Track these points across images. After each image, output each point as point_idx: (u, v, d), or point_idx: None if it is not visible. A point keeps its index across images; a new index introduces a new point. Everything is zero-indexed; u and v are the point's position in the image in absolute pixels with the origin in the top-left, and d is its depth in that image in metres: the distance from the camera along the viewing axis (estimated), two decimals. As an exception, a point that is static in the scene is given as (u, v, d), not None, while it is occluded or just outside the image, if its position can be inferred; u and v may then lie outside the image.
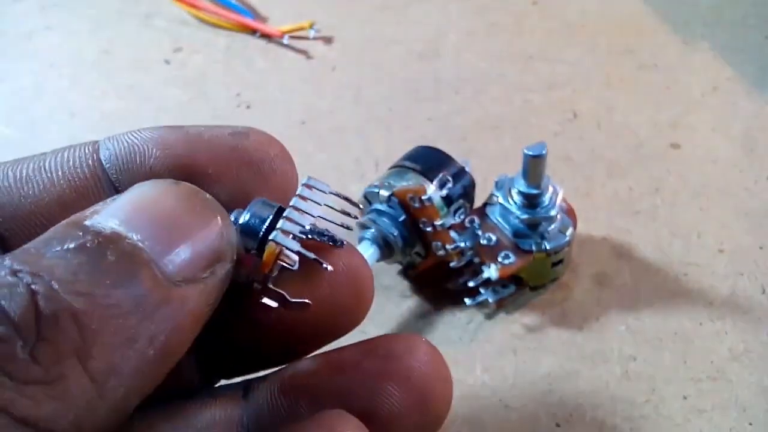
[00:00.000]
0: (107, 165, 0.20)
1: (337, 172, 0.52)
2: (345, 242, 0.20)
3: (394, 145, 0.53)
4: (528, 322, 0.42)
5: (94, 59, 0.63)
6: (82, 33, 0.66)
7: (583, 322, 0.42)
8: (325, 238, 0.20)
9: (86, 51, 0.64)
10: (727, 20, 0.62)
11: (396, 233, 0.41)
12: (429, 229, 0.41)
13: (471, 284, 0.42)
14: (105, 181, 0.20)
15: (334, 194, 0.21)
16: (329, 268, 0.20)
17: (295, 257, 0.19)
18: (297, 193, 0.20)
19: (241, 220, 0.20)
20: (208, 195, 0.19)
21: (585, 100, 0.56)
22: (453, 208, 0.41)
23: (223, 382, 0.23)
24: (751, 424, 0.38)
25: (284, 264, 0.19)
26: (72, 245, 0.16)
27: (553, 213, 0.41)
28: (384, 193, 0.41)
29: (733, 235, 0.46)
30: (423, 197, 0.40)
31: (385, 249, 0.42)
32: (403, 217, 0.41)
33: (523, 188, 0.41)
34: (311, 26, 0.63)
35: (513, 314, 0.43)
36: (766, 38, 0.60)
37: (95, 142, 0.21)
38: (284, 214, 0.19)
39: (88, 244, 0.16)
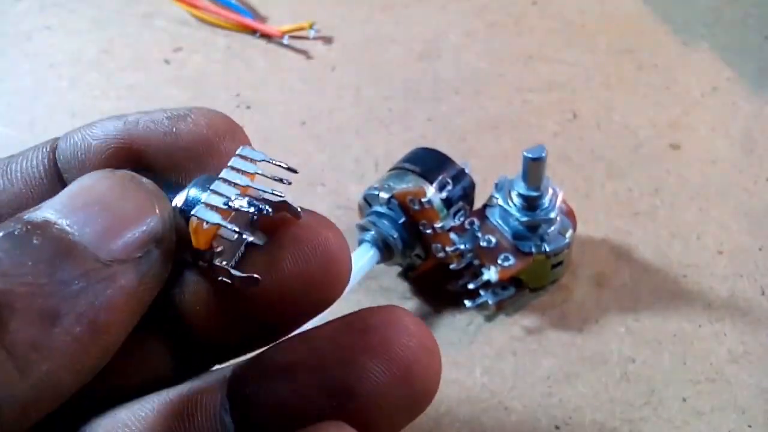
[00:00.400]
0: (60, 163, 0.21)
1: (337, 172, 0.52)
2: (300, 210, 0.19)
3: (394, 145, 0.53)
4: (528, 324, 0.43)
5: (94, 59, 0.63)
6: (82, 33, 0.66)
7: (583, 324, 0.42)
8: (253, 209, 0.18)
9: (86, 51, 0.64)
10: (727, 20, 0.62)
11: (396, 235, 0.41)
12: (429, 231, 0.41)
13: (471, 286, 0.42)
14: (59, 179, 0.21)
15: (268, 162, 0.20)
16: (257, 241, 0.19)
17: (231, 233, 0.18)
18: (228, 164, 0.19)
19: (179, 200, 0.19)
20: (144, 179, 0.19)
21: (585, 101, 0.56)
22: (453, 210, 0.42)
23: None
24: (750, 426, 0.38)
25: (224, 239, 0.19)
26: (0, 234, 0.17)
27: (552, 215, 0.41)
28: (384, 195, 0.41)
29: (733, 236, 0.46)
30: (423, 199, 0.40)
31: (385, 251, 0.42)
32: (402, 220, 0.41)
33: (523, 190, 0.41)
34: (311, 26, 0.63)
35: (513, 316, 0.43)
36: (766, 38, 0.60)
37: (56, 139, 0.21)
38: (210, 187, 0.19)
39: (16, 232, 0.17)
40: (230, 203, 0.18)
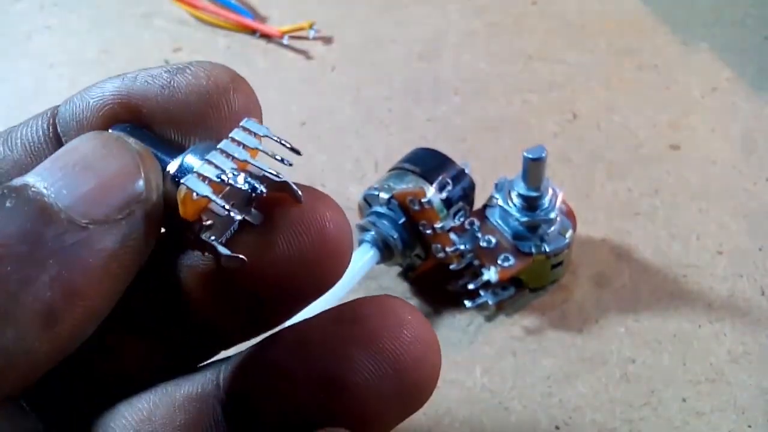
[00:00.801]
0: (60, 127, 0.20)
1: (337, 172, 0.52)
2: (300, 193, 0.18)
3: (394, 145, 0.53)
4: (528, 324, 0.43)
5: (94, 59, 0.63)
6: (82, 33, 0.66)
7: (583, 324, 0.42)
8: (247, 187, 0.17)
9: (86, 51, 0.64)
10: (726, 21, 0.62)
11: (396, 236, 0.41)
12: (429, 231, 0.41)
13: (471, 286, 0.42)
14: (60, 144, 0.20)
15: (271, 138, 0.19)
16: (251, 220, 0.18)
17: (220, 209, 0.17)
18: (230, 135, 0.18)
19: (173, 167, 0.18)
20: (131, 140, 0.18)
21: (584, 101, 0.56)
22: (453, 210, 0.42)
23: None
24: (750, 426, 0.38)
25: (214, 213, 0.18)
26: None
27: (552, 215, 0.41)
28: (384, 195, 0.41)
29: (733, 236, 0.46)
30: (423, 200, 0.40)
31: (385, 251, 0.42)
32: (402, 220, 0.41)
33: (523, 191, 0.41)
34: (311, 26, 0.63)
35: (513, 316, 0.43)
36: (765, 39, 0.60)
37: (57, 106, 0.21)
38: (206, 157, 0.18)
39: None
40: (223, 177, 0.17)
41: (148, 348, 0.21)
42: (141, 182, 0.17)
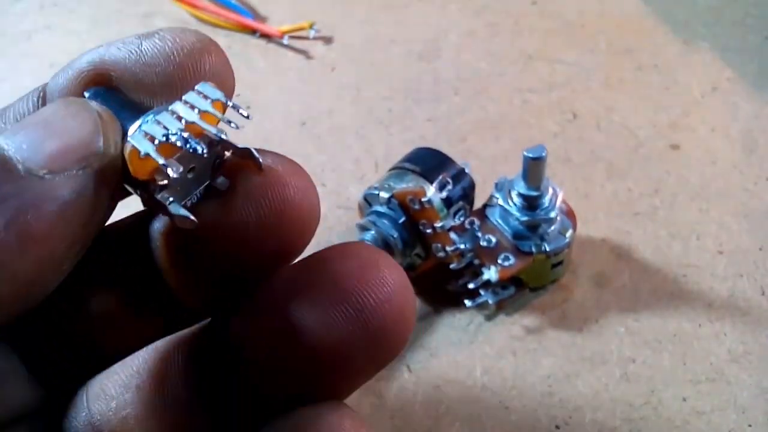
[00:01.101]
0: (48, 100, 0.21)
1: (337, 172, 0.52)
2: (261, 161, 0.19)
3: (394, 145, 0.53)
4: (528, 324, 0.43)
5: (94, 59, 0.63)
6: (82, 33, 0.66)
7: (583, 324, 0.42)
8: (188, 146, 0.18)
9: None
10: (727, 20, 0.62)
11: (396, 235, 0.41)
12: (429, 230, 0.41)
13: (471, 286, 0.42)
14: None
15: (223, 102, 0.19)
16: (216, 185, 0.19)
17: (164, 167, 0.17)
18: (183, 97, 0.18)
19: (132, 128, 0.18)
20: (93, 103, 0.19)
21: (584, 101, 0.56)
22: (453, 209, 0.42)
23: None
24: (750, 425, 0.38)
25: (166, 174, 0.18)
26: None
27: (552, 215, 0.41)
28: (384, 195, 0.41)
29: (733, 236, 0.46)
30: (423, 199, 0.40)
31: (385, 251, 0.42)
32: (402, 219, 0.41)
33: (523, 190, 0.41)
34: (311, 26, 0.63)
35: (513, 316, 0.43)
36: (766, 38, 0.60)
37: (47, 83, 0.21)
38: (154, 116, 0.18)
39: None
40: (169, 136, 0.18)
41: (143, 321, 0.21)
42: (98, 138, 0.18)
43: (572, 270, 0.45)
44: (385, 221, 0.42)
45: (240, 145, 0.18)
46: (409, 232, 0.42)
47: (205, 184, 0.19)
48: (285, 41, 0.63)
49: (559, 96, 0.57)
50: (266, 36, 0.63)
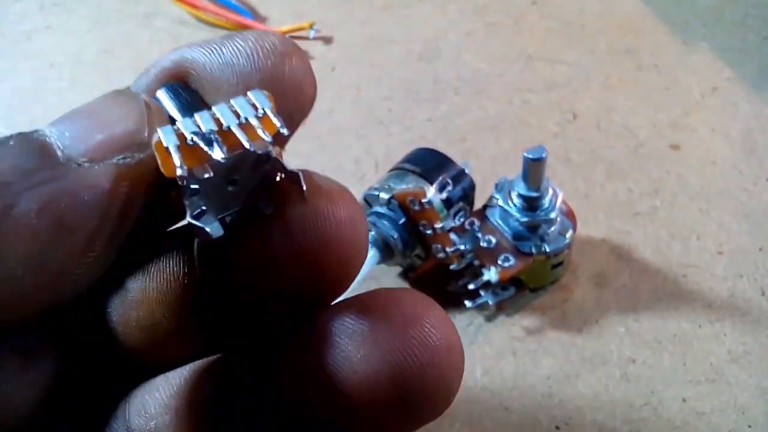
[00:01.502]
0: None
1: (337, 173, 0.52)
2: (305, 190, 0.17)
3: (394, 145, 0.53)
4: (528, 325, 0.43)
5: (94, 59, 0.63)
6: (82, 33, 0.66)
7: (583, 324, 0.42)
8: (209, 149, 0.16)
9: (86, 51, 0.64)
10: (726, 21, 0.62)
11: (396, 236, 0.41)
12: (429, 231, 0.41)
13: (471, 286, 0.42)
14: None
15: (270, 115, 0.17)
16: (262, 207, 0.17)
17: (179, 171, 0.16)
18: (230, 100, 0.17)
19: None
20: (140, 94, 0.18)
21: (584, 101, 0.56)
22: (453, 210, 0.42)
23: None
24: (750, 426, 0.38)
25: (198, 176, 0.16)
26: None
27: (552, 215, 0.41)
28: (384, 195, 0.41)
29: (733, 236, 0.46)
30: (423, 200, 0.40)
31: (386, 251, 0.42)
32: (403, 220, 0.41)
33: (523, 191, 0.41)
34: (311, 26, 0.63)
35: (513, 316, 0.43)
36: (765, 38, 0.60)
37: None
38: (195, 114, 0.17)
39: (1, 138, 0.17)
40: (195, 138, 0.16)
41: (187, 336, 0.20)
42: (144, 128, 0.17)
43: (572, 270, 0.45)
44: (386, 222, 0.42)
45: (289, 167, 0.17)
46: (409, 232, 0.42)
47: (249, 202, 0.17)
48: (285, 41, 0.62)
49: (559, 96, 0.57)
50: (266, 36, 0.63)
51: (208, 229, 0.17)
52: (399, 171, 0.43)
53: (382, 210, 0.42)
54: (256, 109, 0.17)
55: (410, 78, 0.59)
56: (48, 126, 0.17)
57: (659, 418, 0.38)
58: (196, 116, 0.17)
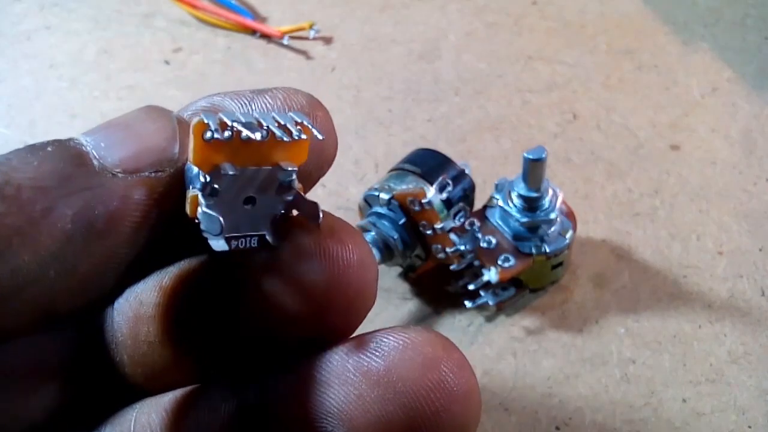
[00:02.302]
0: None
1: (337, 173, 0.52)
2: (320, 220, 0.18)
3: (394, 146, 0.53)
4: (528, 325, 0.43)
5: (94, 59, 0.63)
6: (82, 33, 0.66)
7: (583, 325, 0.42)
8: (246, 132, 0.16)
9: (85, 51, 0.64)
10: (726, 21, 0.62)
11: (396, 236, 0.41)
12: (429, 232, 0.41)
13: (471, 287, 0.42)
14: None
15: (310, 127, 0.18)
16: (270, 241, 0.18)
17: (220, 136, 0.16)
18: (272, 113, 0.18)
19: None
20: (172, 111, 0.19)
21: (584, 101, 0.56)
22: (453, 211, 0.42)
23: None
24: (750, 426, 0.38)
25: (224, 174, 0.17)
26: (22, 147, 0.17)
27: (553, 216, 0.41)
28: (384, 196, 0.41)
29: (733, 237, 0.46)
30: (423, 200, 0.40)
31: (386, 252, 0.42)
32: (403, 220, 0.41)
33: (523, 191, 0.41)
34: (311, 26, 0.63)
35: (513, 317, 0.43)
36: (765, 39, 0.60)
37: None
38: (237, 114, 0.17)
39: (36, 144, 0.17)
40: (236, 125, 0.16)
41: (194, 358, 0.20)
42: (175, 146, 0.18)
43: (572, 271, 0.45)
44: (386, 222, 0.42)
45: (308, 199, 0.18)
46: (410, 233, 0.42)
47: (260, 233, 0.18)
48: (285, 41, 0.63)
49: (559, 96, 0.57)
50: (266, 36, 0.63)
51: (212, 241, 0.17)
52: (399, 171, 0.43)
53: (382, 210, 0.42)
54: (293, 120, 0.17)
55: (410, 78, 0.59)
56: (84, 135, 0.18)
57: (659, 418, 0.38)
58: (238, 114, 0.17)
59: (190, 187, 0.18)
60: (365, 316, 0.18)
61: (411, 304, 0.44)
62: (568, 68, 0.59)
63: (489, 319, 0.43)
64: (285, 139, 0.17)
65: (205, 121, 0.16)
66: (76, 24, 0.67)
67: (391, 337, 0.18)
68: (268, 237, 0.18)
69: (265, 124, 0.17)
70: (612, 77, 0.58)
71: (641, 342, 0.41)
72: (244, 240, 0.18)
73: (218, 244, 0.17)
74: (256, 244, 0.18)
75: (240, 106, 0.19)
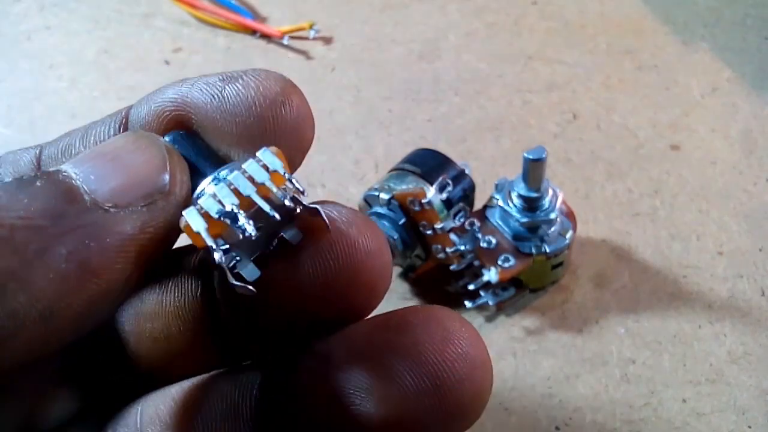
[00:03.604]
0: (130, 128, 0.21)
1: (337, 173, 0.52)
2: (326, 219, 0.18)
3: (394, 146, 0.53)
4: (528, 325, 0.43)
5: (94, 59, 0.63)
6: (82, 33, 0.66)
7: (583, 325, 0.42)
8: (237, 226, 0.17)
9: (86, 51, 0.64)
10: (726, 21, 0.62)
11: (396, 236, 0.41)
12: (429, 232, 0.41)
13: (471, 287, 0.42)
14: None
15: (282, 175, 0.18)
16: (290, 239, 0.18)
17: (216, 255, 0.17)
18: (242, 166, 0.18)
19: (200, 187, 0.18)
20: (161, 139, 0.19)
21: (584, 101, 0.56)
22: (453, 211, 0.42)
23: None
24: (750, 426, 0.38)
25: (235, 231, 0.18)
26: (9, 179, 0.17)
27: (553, 216, 0.41)
28: (384, 196, 0.41)
29: (733, 237, 0.46)
30: (423, 200, 0.40)
31: (385, 252, 0.42)
32: (403, 221, 0.41)
33: (523, 191, 0.41)
34: (311, 27, 0.63)
35: (513, 317, 0.43)
36: (765, 39, 0.60)
37: (131, 106, 0.21)
38: (213, 190, 0.18)
39: (24, 178, 0.17)
40: (222, 216, 0.17)
41: (200, 348, 0.21)
42: (166, 176, 0.18)
43: (572, 271, 0.45)
44: (386, 222, 0.42)
45: (309, 204, 0.18)
46: (410, 233, 0.42)
47: (277, 236, 0.18)
48: (285, 41, 0.63)
49: (559, 96, 0.57)
50: (266, 36, 0.63)
51: (251, 288, 0.18)
52: (399, 171, 0.43)
53: (383, 210, 0.42)
54: (268, 170, 0.18)
55: (410, 78, 0.59)
56: (71, 165, 0.17)
57: (659, 418, 0.38)
58: (216, 189, 0.18)
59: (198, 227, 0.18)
60: (383, 296, 0.19)
61: (411, 304, 0.44)
62: (568, 68, 0.59)
63: (489, 319, 0.43)
64: (273, 215, 0.18)
65: (193, 229, 0.17)
66: (76, 24, 0.67)
67: (413, 314, 0.19)
68: (286, 236, 0.19)
69: (244, 192, 0.17)
70: (612, 77, 0.58)
71: (641, 342, 0.41)
72: (268, 251, 0.19)
73: (251, 272, 0.18)
74: (277, 247, 0.19)
75: (210, 99, 0.19)
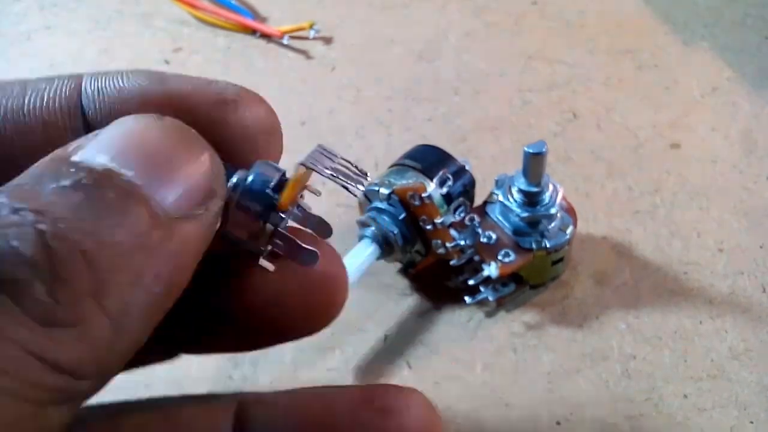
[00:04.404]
0: (86, 103, 0.20)
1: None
2: (328, 228, 0.21)
3: (394, 145, 0.53)
4: (528, 321, 0.42)
5: (94, 59, 0.63)
6: (82, 33, 0.66)
7: (583, 321, 0.42)
8: (350, 181, 0.19)
9: (86, 51, 0.64)
10: (726, 20, 0.62)
11: (396, 231, 0.41)
12: (429, 227, 0.41)
13: (471, 282, 0.41)
14: (79, 118, 0.20)
15: (344, 161, 0.20)
16: (356, 193, 0.20)
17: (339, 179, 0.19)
18: (309, 154, 0.19)
19: (244, 180, 0.19)
20: (193, 129, 0.18)
21: (584, 101, 0.56)
22: (453, 206, 0.41)
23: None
24: (752, 422, 0.38)
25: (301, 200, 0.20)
26: (67, 182, 0.15)
27: (553, 211, 0.41)
28: (384, 191, 0.41)
29: (733, 234, 0.46)
30: (423, 195, 0.40)
31: (386, 247, 0.42)
32: (403, 215, 0.41)
33: (524, 186, 0.41)
34: (311, 26, 0.63)
35: (513, 312, 0.43)
36: (765, 38, 0.60)
37: (79, 76, 0.20)
38: (301, 161, 0.19)
39: (84, 181, 0.15)
40: (332, 168, 0.19)
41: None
42: (214, 176, 0.18)
43: (573, 267, 0.45)
44: (386, 217, 0.41)
45: (314, 214, 0.20)
46: (410, 228, 0.42)
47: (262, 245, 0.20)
48: (285, 41, 0.63)
49: (559, 96, 0.56)
50: (266, 36, 0.63)
51: (271, 268, 0.20)
52: (399, 167, 0.43)
53: (382, 205, 0.42)
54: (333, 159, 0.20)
55: (410, 78, 0.59)
56: (117, 163, 0.16)
57: (660, 414, 0.38)
58: (312, 155, 0.19)
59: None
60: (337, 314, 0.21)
61: (411, 299, 0.44)
62: (568, 68, 0.59)
63: (489, 314, 0.43)
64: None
65: (315, 169, 0.19)
66: (76, 24, 0.67)
67: (399, 398, 0.20)
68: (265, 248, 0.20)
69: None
70: (612, 77, 0.58)
71: (642, 338, 0.41)
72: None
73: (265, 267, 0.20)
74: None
75: (210, 108, 0.20)
